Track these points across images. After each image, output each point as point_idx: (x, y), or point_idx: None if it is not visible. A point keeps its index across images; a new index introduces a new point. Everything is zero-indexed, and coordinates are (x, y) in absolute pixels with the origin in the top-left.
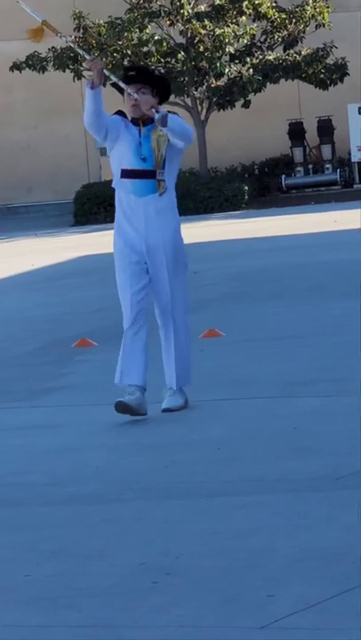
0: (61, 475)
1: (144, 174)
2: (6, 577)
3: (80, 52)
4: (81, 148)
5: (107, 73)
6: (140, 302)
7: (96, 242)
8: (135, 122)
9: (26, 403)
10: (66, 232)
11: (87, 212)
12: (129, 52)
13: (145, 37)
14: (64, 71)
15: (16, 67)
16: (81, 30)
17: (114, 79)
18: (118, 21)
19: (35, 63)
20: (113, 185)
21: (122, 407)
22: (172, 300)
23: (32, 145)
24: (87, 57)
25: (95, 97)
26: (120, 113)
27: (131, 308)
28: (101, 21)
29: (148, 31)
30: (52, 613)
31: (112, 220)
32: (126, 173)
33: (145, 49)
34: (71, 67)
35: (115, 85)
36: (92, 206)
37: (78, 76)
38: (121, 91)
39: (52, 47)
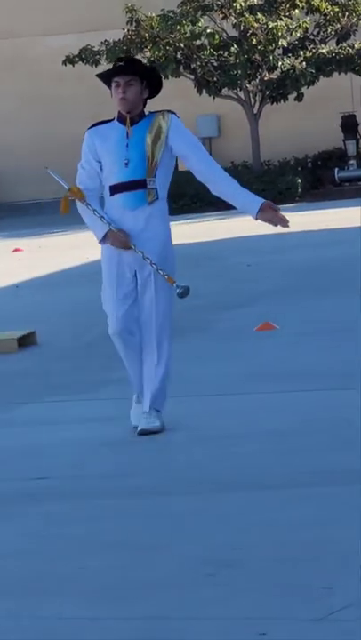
0: (118, 467)
1: (133, 186)
2: (62, 569)
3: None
4: None
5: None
6: (127, 320)
7: None
8: (122, 119)
9: (81, 396)
10: None
11: None
12: (182, 46)
13: (198, 30)
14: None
15: (69, 60)
16: (133, 24)
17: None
18: (171, 14)
19: (87, 57)
20: (105, 204)
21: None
22: (156, 314)
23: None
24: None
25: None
26: (94, 125)
27: (117, 323)
28: (154, 15)
29: (200, 24)
30: (108, 605)
31: None
32: (115, 189)
33: (198, 42)
34: None
35: (100, 76)
36: None
37: None
38: (108, 83)
39: (105, 40)
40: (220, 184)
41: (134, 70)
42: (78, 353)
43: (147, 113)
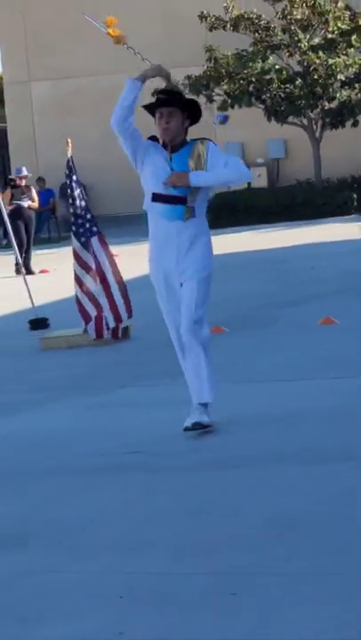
0: (198, 444)
1: (175, 200)
2: (154, 533)
3: (144, 58)
4: None
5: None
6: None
7: (221, 243)
8: (165, 146)
9: (168, 381)
10: None
11: (216, 216)
12: (253, 80)
13: (267, 67)
14: (198, 96)
15: (158, 101)
16: (212, 61)
17: (172, 84)
18: (244, 53)
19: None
20: (144, 207)
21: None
22: (195, 316)
23: None
24: (151, 63)
25: (134, 89)
26: (152, 138)
27: (177, 337)
28: (229, 53)
29: (269, 62)
30: (194, 562)
31: (235, 223)
32: (158, 197)
33: (267, 77)
34: (204, 92)
35: (146, 107)
36: (220, 211)
37: (210, 100)
38: (152, 113)
39: (188, 75)
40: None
41: (176, 102)
42: (165, 345)
43: (188, 140)
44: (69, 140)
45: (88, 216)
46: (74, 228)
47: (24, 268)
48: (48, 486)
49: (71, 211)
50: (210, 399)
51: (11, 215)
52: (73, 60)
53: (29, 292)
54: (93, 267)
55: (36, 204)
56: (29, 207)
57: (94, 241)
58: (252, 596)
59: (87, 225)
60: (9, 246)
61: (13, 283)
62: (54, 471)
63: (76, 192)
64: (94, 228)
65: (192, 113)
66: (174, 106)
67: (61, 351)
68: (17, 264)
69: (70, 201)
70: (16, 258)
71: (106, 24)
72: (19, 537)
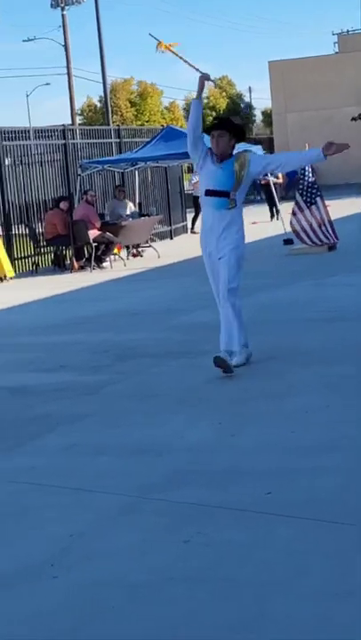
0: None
1: (221, 194)
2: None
3: (192, 65)
4: None
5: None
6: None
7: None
8: (217, 157)
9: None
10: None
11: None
12: None
13: None
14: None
15: (353, 119)
16: None
17: (212, 81)
18: None
19: None
20: (200, 201)
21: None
22: (229, 286)
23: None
24: (197, 70)
25: (197, 106)
26: (209, 149)
27: (217, 294)
28: None
29: None
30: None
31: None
32: (209, 192)
33: None
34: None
35: (205, 130)
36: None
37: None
38: (209, 134)
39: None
40: (288, 159)
41: (224, 126)
42: (356, 254)
43: (234, 153)
44: (307, 145)
45: (316, 185)
46: (304, 192)
47: (276, 213)
48: (286, 328)
49: (303, 182)
50: (236, 348)
51: (265, 186)
52: (309, 100)
53: (283, 224)
54: (318, 213)
55: (280, 180)
56: (275, 183)
57: (318, 200)
58: None
59: (314, 190)
60: (262, 202)
61: (271, 223)
62: (291, 320)
63: (308, 171)
64: (318, 192)
65: (237, 133)
66: (223, 129)
67: (300, 256)
68: (272, 214)
69: (302, 176)
70: (271, 210)
71: (162, 43)
72: (268, 355)
